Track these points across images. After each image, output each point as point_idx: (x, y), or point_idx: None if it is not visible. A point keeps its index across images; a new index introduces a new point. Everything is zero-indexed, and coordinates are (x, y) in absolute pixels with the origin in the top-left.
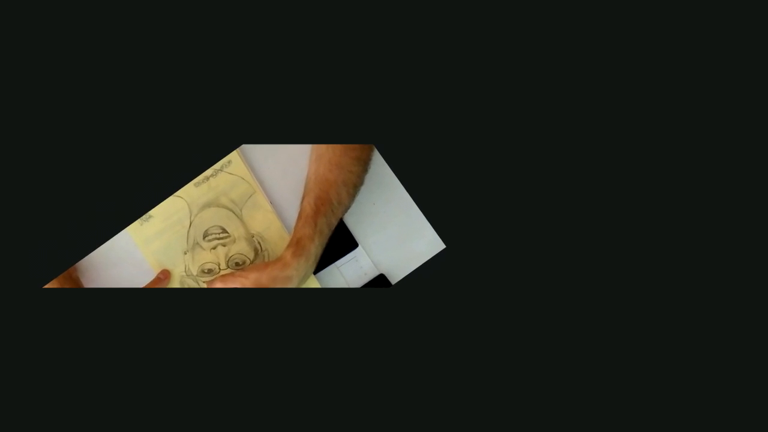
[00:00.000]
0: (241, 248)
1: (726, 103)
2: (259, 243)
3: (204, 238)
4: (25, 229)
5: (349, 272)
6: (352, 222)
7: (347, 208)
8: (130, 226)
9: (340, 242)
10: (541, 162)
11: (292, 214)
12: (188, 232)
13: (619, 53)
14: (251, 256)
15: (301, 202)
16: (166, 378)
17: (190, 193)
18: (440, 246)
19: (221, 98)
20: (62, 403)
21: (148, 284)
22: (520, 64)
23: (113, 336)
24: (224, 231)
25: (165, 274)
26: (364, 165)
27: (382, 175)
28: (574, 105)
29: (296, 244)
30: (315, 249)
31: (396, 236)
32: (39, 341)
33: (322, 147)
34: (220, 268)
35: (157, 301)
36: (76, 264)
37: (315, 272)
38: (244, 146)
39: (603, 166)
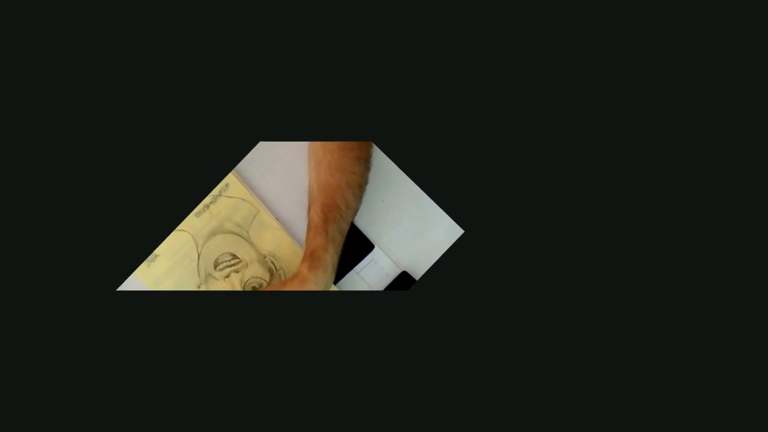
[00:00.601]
0: (255, 271)
1: (730, 101)
2: (272, 262)
3: (215, 267)
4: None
5: (370, 275)
6: (363, 223)
7: (356, 210)
8: (138, 269)
9: (356, 246)
10: (539, 142)
11: (301, 227)
12: (198, 264)
13: (616, 38)
14: (267, 277)
15: (308, 213)
16: (187, 379)
17: (193, 224)
18: (458, 232)
19: (207, 111)
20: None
21: None
22: (512, 49)
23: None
24: (235, 257)
25: None
26: (366, 163)
27: (385, 170)
28: (565, 85)
29: (311, 257)
30: (331, 258)
31: (411, 230)
32: (112, 342)
33: (320, 152)
34: None
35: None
36: None
37: (335, 282)
38: (240, 166)
39: (604, 149)
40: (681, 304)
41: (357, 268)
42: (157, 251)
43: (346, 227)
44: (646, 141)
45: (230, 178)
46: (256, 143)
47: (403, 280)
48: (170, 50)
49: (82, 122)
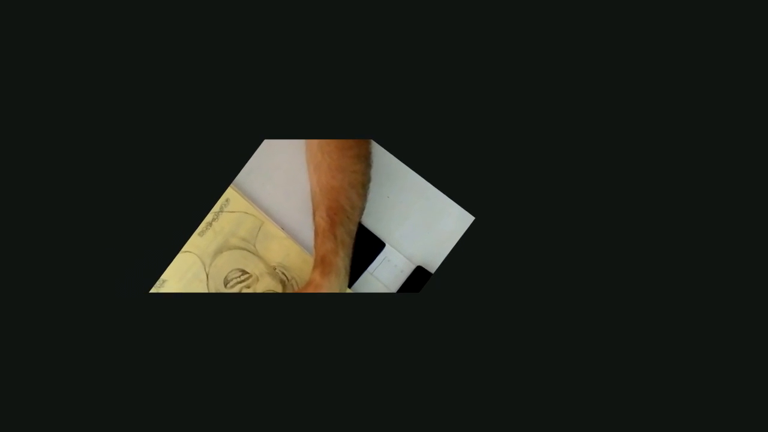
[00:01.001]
0: (266, 284)
1: (732, 101)
2: (283, 273)
3: (225, 285)
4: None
5: (384, 275)
6: (371, 222)
7: (362, 209)
8: None
9: (366, 247)
10: (536, 127)
11: (307, 233)
12: (207, 284)
13: (610, 26)
14: (279, 289)
15: (314, 218)
16: (200, 381)
17: (197, 244)
18: (469, 219)
19: (205, 115)
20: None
21: None
22: (506, 39)
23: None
24: (244, 272)
25: None
26: (366, 160)
27: (387, 165)
28: (560, 70)
29: (322, 263)
30: (342, 261)
31: (421, 223)
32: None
33: (318, 155)
34: None
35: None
36: None
37: (349, 285)
38: (238, 179)
39: (601, 135)
40: (700, 289)
41: (370, 268)
42: (164, 276)
43: (354, 228)
44: (655, 122)
45: (230, 192)
46: (261, 142)
47: (419, 275)
48: (171, 52)
49: (83, 126)
